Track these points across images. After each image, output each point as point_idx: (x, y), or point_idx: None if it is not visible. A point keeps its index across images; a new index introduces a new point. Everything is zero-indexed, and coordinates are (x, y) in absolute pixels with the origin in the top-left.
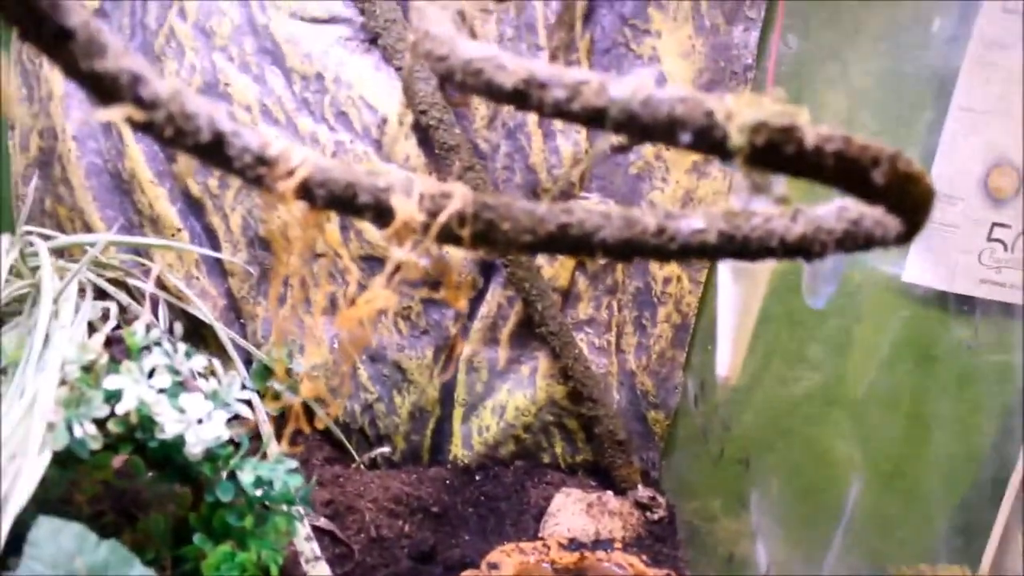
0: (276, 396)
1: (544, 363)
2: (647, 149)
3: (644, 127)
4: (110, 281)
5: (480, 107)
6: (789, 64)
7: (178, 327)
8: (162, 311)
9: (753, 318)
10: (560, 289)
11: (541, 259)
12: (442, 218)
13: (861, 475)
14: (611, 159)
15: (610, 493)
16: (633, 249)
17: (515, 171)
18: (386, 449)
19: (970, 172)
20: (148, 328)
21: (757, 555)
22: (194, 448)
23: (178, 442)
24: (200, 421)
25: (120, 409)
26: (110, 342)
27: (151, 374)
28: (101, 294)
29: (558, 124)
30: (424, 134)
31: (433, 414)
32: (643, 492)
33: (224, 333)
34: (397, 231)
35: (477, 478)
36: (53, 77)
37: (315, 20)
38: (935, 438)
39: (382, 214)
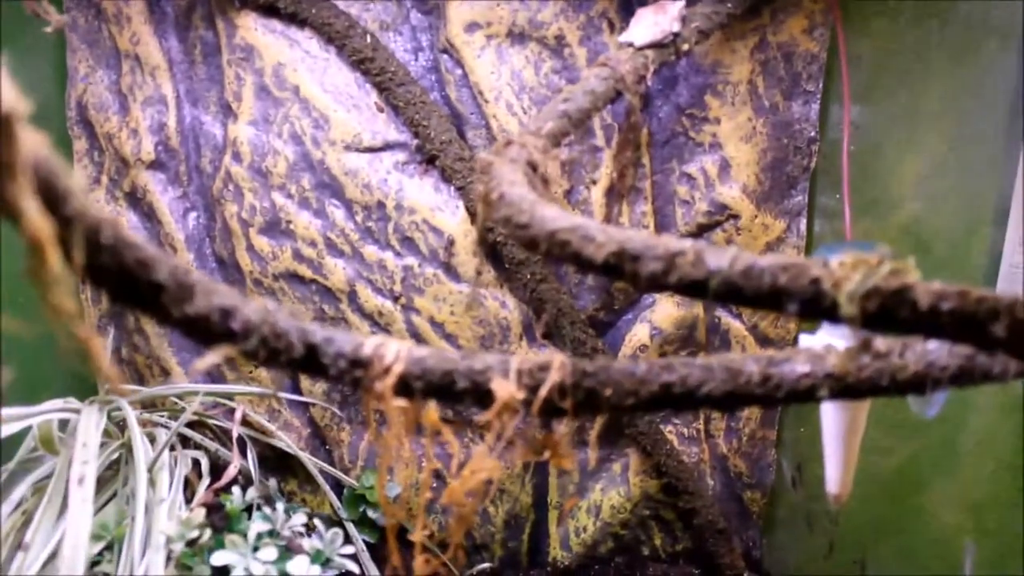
0: (371, 523)
1: (635, 459)
2: (717, 235)
3: (747, 298)
4: (191, 424)
5: None
6: (858, 134)
7: (272, 483)
8: (250, 453)
9: (859, 436)
10: None
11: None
12: (543, 393)
13: (974, 542)
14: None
15: None
16: (739, 400)
17: (588, 275)
18: (486, 565)
19: None
20: (244, 489)
21: None
22: None
23: None
24: None
25: None
26: (210, 510)
27: (256, 540)
28: (185, 439)
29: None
30: (492, 248)
31: (528, 519)
32: None
33: (311, 463)
34: (498, 412)
35: None
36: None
37: (370, 149)
38: None
39: (482, 397)
